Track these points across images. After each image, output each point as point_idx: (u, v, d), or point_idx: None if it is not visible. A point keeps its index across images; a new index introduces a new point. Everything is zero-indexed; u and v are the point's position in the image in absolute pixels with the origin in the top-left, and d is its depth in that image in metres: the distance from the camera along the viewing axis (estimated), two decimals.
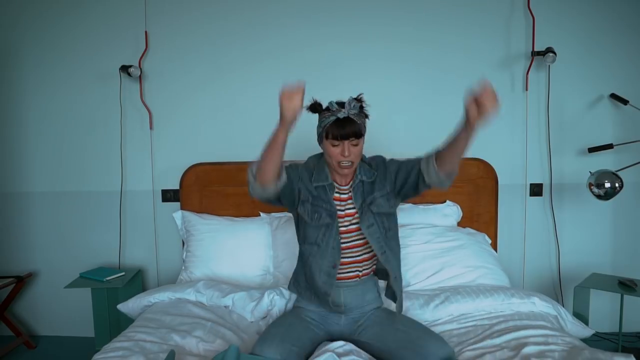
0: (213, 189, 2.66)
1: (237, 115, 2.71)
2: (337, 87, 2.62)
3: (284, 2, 2.65)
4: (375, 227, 1.71)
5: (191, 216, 2.57)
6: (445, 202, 2.58)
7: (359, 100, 1.67)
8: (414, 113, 2.68)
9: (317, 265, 1.71)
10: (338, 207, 1.74)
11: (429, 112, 2.67)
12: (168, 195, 2.77)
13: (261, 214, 2.58)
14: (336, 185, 1.75)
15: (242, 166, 2.63)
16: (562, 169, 2.68)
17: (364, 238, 1.73)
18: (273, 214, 2.57)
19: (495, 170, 2.61)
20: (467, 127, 1.47)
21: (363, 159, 1.79)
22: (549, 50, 2.50)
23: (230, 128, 2.72)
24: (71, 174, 2.79)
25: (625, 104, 2.55)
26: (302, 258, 1.80)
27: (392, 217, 1.79)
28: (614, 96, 2.59)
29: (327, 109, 1.67)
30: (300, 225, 1.80)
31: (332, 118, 1.63)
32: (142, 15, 2.68)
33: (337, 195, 1.75)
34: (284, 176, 1.66)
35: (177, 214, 2.61)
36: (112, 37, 2.70)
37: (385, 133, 2.68)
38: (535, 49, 2.58)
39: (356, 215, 1.73)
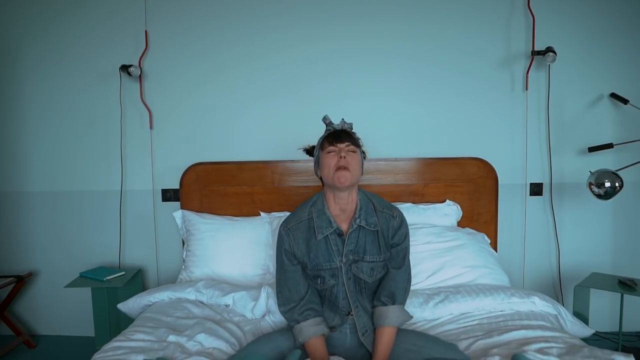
0: (213, 188, 2.66)
1: (238, 115, 2.71)
2: (338, 86, 2.66)
3: (284, 2, 2.65)
4: (352, 282, 1.66)
5: (191, 216, 2.57)
6: (445, 201, 2.58)
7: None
8: (414, 112, 2.68)
9: (329, 312, 1.68)
10: (339, 261, 1.65)
11: (429, 111, 2.67)
12: (168, 195, 2.77)
13: (261, 213, 2.58)
14: (341, 229, 1.65)
15: (242, 166, 2.65)
16: (562, 168, 2.68)
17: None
18: (273, 213, 2.57)
19: (495, 169, 2.61)
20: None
21: (372, 201, 1.70)
22: (549, 49, 2.50)
23: (230, 128, 2.72)
24: (71, 174, 2.79)
25: (626, 104, 2.55)
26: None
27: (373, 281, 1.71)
28: (614, 96, 2.59)
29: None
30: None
31: (328, 130, 1.67)
32: (142, 15, 2.68)
33: (339, 245, 1.65)
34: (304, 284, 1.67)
35: (177, 214, 2.61)
36: (112, 37, 2.70)
37: (384, 132, 2.69)
38: (536, 49, 2.58)
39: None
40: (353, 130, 1.70)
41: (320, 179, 1.70)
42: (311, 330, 1.59)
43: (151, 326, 1.80)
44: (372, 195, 1.74)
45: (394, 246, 1.68)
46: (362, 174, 1.65)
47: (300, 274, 1.68)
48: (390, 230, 1.67)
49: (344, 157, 1.57)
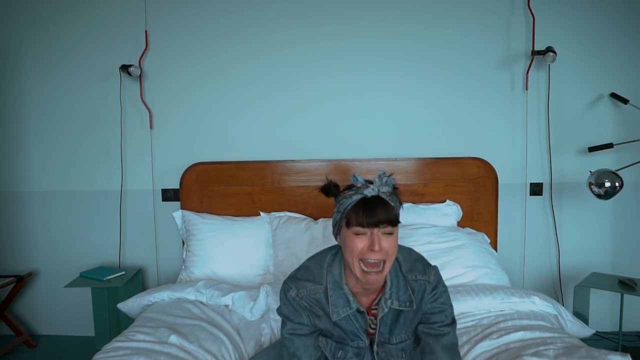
0: (213, 188, 2.66)
1: (238, 115, 2.71)
2: (338, 86, 2.66)
3: (284, 1, 2.65)
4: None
5: (191, 216, 2.56)
6: (445, 201, 2.58)
7: (391, 176, 1.26)
8: (414, 112, 2.67)
9: None
10: (367, 342, 1.35)
11: (429, 111, 2.67)
12: (168, 195, 2.76)
13: (261, 213, 2.58)
14: (362, 308, 1.32)
15: (242, 166, 2.65)
16: (562, 168, 2.68)
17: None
18: (273, 213, 2.57)
19: (496, 169, 2.61)
20: None
21: (402, 268, 1.33)
22: (549, 49, 2.50)
23: (230, 127, 2.71)
24: (71, 174, 2.79)
25: (626, 104, 2.55)
26: None
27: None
28: (614, 95, 2.59)
29: (349, 187, 1.26)
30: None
31: (357, 197, 1.22)
32: (142, 15, 2.67)
33: (362, 322, 1.34)
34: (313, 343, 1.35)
35: (177, 214, 2.61)
36: (112, 36, 2.70)
37: (384, 132, 2.69)
38: (536, 48, 2.58)
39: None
40: (395, 187, 1.25)
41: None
42: None
43: (151, 326, 1.80)
44: (403, 259, 1.35)
45: (433, 313, 1.34)
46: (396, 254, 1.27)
47: (312, 340, 1.36)
48: (424, 297, 1.33)
49: (379, 250, 1.18)
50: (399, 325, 1.33)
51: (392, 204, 1.22)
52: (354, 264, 1.22)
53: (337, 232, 1.31)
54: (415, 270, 1.34)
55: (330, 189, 1.30)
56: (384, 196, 1.22)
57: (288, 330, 1.35)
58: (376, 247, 1.18)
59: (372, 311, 1.34)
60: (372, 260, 1.20)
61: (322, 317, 1.33)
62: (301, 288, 1.32)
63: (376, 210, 1.19)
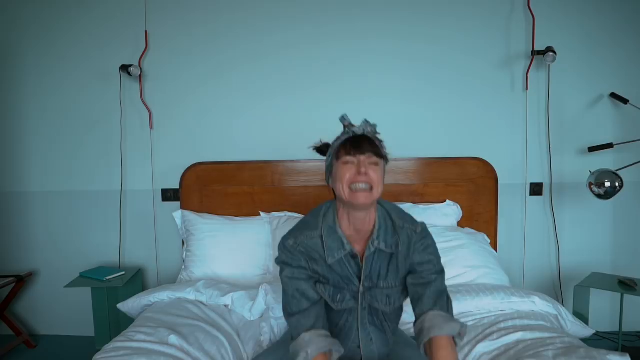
0: (213, 188, 2.66)
1: (238, 115, 2.71)
2: (338, 86, 2.66)
3: (284, 1, 2.65)
4: (367, 312, 1.45)
5: (191, 216, 2.56)
6: (445, 201, 2.58)
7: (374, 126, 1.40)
8: (414, 112, 2.68)
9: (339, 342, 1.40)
10: (359, 286, 1.42)
11: (429, 111, 2.68)
12: (168, 195, 2.76)
13: (261, 213, 2.58)
14: (355, 252, 1.40)
15: (242, 166, 2.65)
16: (562, 168, 2.68)
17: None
18: (273, 213, 2.57)
19: (496, 169, 2.61)
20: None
21: (391, 216, 1.43)
22: (549, 49, 2.50)
23: (230, 128, 2.72)
24: (71, 174, 2.79)
25: (626, 104, 2.55)
26: None
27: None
28: (614, 95, 2.59)
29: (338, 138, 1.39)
30: None
31: (345, 136, 1.37)
32: (142, 15, 2.67)
33: (355, 268, 1.41)
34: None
35: (177, 214, 2.61)
36: (112, 37, 2.70)
37: (384, 132, 2.68)
38: (536, 48, 2.58)
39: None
40: (377, 132, 1.40)
41: (333, 190, 1.41)
42: (322, 343, 1.31)
43: (151, 326, 1.79)
44: (392, 208, 1.46)
45: (421, 264, 1.41)
46: (383, 188, 1.36)
47: (310, 284, 1.42)
48: (412, 247, 1.41)
49: (365, 173, 1.30)
50: (386, 270, 1.41)
51: (378, 144, 1.37)
52: (344, 191, 1.33)
53: (329, 175, 1.41)
54: (404, 219, 1.44)
55: (323, 149, 1.45)
56: (369, 134, 1.37)
57: (287, 274, 1.42)
58: (362, 170, 1.30)
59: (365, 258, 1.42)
60: (361, 185, 1.30)
61: (318, 260, 1.41)
62: (299, 236, 1.42)
63: (362, 142, 1.33)
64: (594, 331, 2.04)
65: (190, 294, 2.08)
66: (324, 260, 1.39)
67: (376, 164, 1.33)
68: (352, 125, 1.39)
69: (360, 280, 1.41)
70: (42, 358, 2.66)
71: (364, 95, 2.66)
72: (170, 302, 2.07)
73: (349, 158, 1.33)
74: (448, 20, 2.63)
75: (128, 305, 2.15)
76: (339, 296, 1.41)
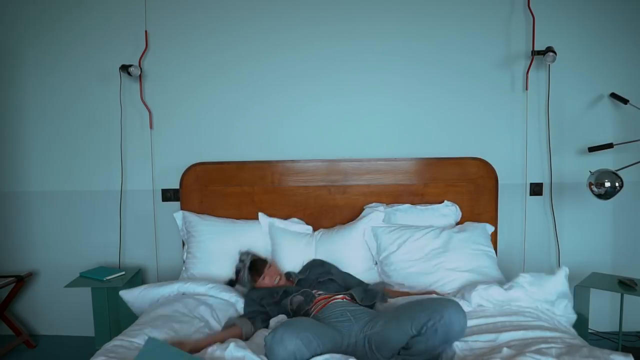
0: (213, 188, 2.66)
1: (237, 115, 2.71)
2: (338, 86, 2.66)
3: (284, 1, 2.65)
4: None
5: (192, 217, 2.56)
6: (443, 202, 2.58)
7: None
8: (414, 112, 2.68)
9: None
10: None
11: (429, 111, 2.67)
12: (168, 195, 2.76)
13: (260, 217, 2.57)
14: None
15: (242, 166, 2.65)
16: (562, 168, 2.68)
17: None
18: (272, 218, 2.57)
19: (495, 169, 2.61)
20: None
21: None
22: (549, 49, 2.50)
23: (230, 128, 2.72)
24: (71, 174, 2.79)
25: (625, 104, 2.55)
26: None
27: None
28: (614, 95, 2.59)
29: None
30: None
31: None
32: (142, 15, 2.68)
33: None
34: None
35: (178, 215, 2.60)
36: (112, 37, 2.70)
37: (384, 132, 2.69)
38: (535, 48, 2.58)
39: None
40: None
41: None
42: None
43: (154, 325, 1.78)
44: None
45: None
46: None
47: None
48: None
49: None
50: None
51: None
52: None
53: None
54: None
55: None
56: None
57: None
58: None
59: None
60: None
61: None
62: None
63: None
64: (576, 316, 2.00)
65: (194, 289, 2.12)
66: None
67: None
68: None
69: None
70: (42, 358, 2.66)
71: (364, 95, 2.66)
72: (174, 297, 2.08)
73: None
74: (448, 21, 2.63)
75: (134, 295, 2.15)
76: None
